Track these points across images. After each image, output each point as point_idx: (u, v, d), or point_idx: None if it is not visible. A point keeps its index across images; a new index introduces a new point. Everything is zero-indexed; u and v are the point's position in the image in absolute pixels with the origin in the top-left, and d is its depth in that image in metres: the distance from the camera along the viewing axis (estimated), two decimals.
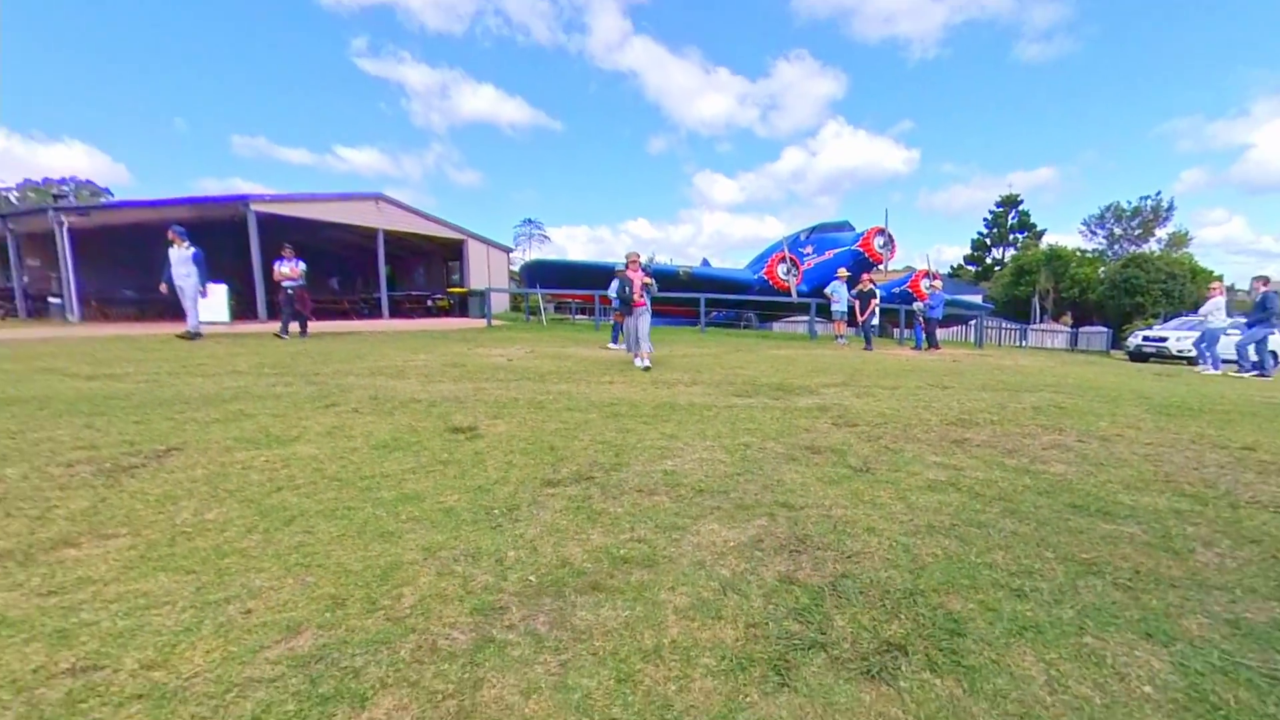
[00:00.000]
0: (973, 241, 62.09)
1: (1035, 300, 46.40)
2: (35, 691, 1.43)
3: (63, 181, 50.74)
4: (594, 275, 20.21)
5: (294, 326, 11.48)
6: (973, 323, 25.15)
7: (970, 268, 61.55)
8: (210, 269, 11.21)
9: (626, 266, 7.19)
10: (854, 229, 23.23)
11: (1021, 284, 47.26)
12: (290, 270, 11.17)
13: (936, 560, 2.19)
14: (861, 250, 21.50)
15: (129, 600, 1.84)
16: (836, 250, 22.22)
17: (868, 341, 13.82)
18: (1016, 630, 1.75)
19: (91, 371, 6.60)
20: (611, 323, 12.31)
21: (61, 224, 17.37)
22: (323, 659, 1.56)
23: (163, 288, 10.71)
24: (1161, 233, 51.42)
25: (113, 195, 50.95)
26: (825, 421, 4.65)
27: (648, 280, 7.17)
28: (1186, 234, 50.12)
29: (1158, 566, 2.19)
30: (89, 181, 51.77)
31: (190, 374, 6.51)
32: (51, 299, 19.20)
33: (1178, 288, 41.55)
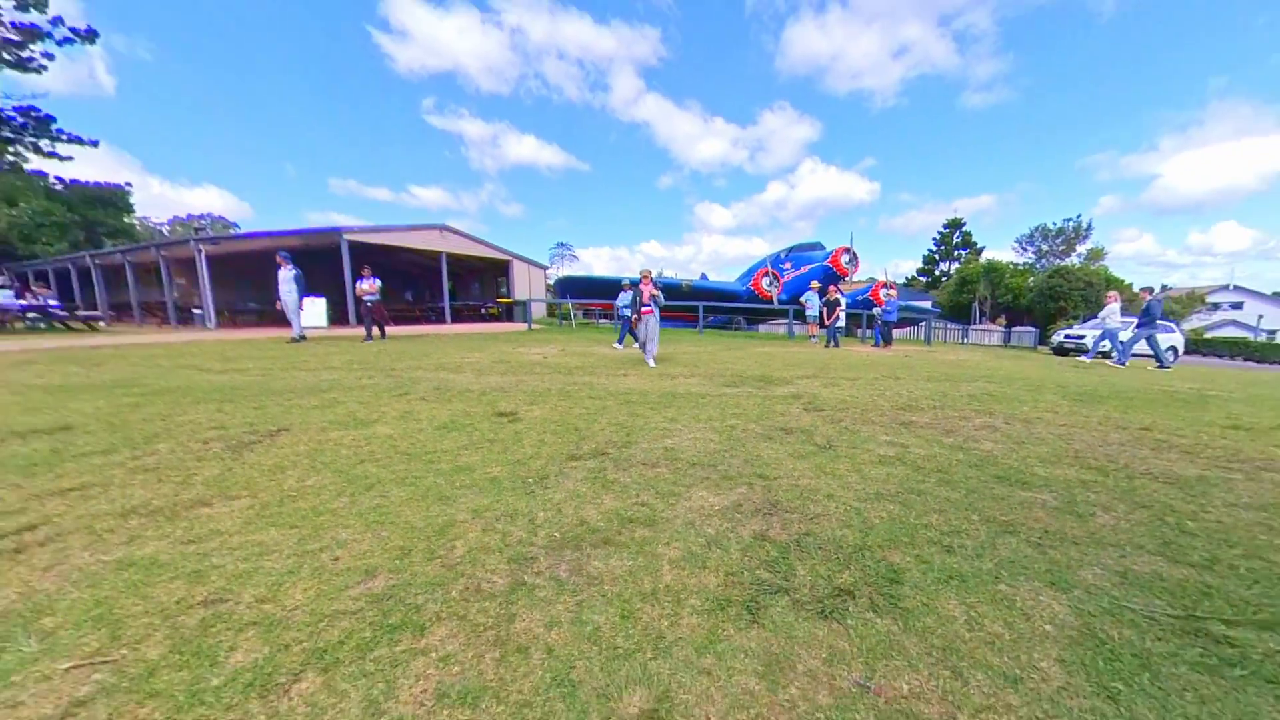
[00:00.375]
0: (924, 257, 61.12)
1: (975, 305, 45.43)
2: (177, 618, 1.49)
3: (202, 217, 51.62)
4: (612, 287, 20.31)
5: (375, 331, 11.63)
6: (923, 324, 24.69)
7: (922, 279, 60.56)
8: (309, 285, 11.39)
9: (641, 281, 7.05)
10: (825, 248, 22.87)
11: (964, 292, 46.34)
12: (369, 287, 11.32)
13: (882, 522, 2.17)
14: (831, 266, 21.14)
15: (247, 548, 1.90)
16: (810, 266, 21.89)
17: (833, 340, 13.65)
18: (944, 579, 1.74)
19: (222, 367, 6.75)
20: (618, 325, 12.05)
21: (200, 251, 17.73)
22: (392, 597, 1.60)
23: (278, 304, 10.94)
24: (1081, 249, 50.17)
25: (239, 227, 51.73)
26: (797, 407, 4.61)
27: (655, 292, 7.08)
28: (1102, 249, 48.84)
29: (1063, 527, 2.15)
30: (221, 217, 52.73)
31: (296, 369, 6.63)
32: (194, 310, 19.65)
33: (1095, 294, 40.40)
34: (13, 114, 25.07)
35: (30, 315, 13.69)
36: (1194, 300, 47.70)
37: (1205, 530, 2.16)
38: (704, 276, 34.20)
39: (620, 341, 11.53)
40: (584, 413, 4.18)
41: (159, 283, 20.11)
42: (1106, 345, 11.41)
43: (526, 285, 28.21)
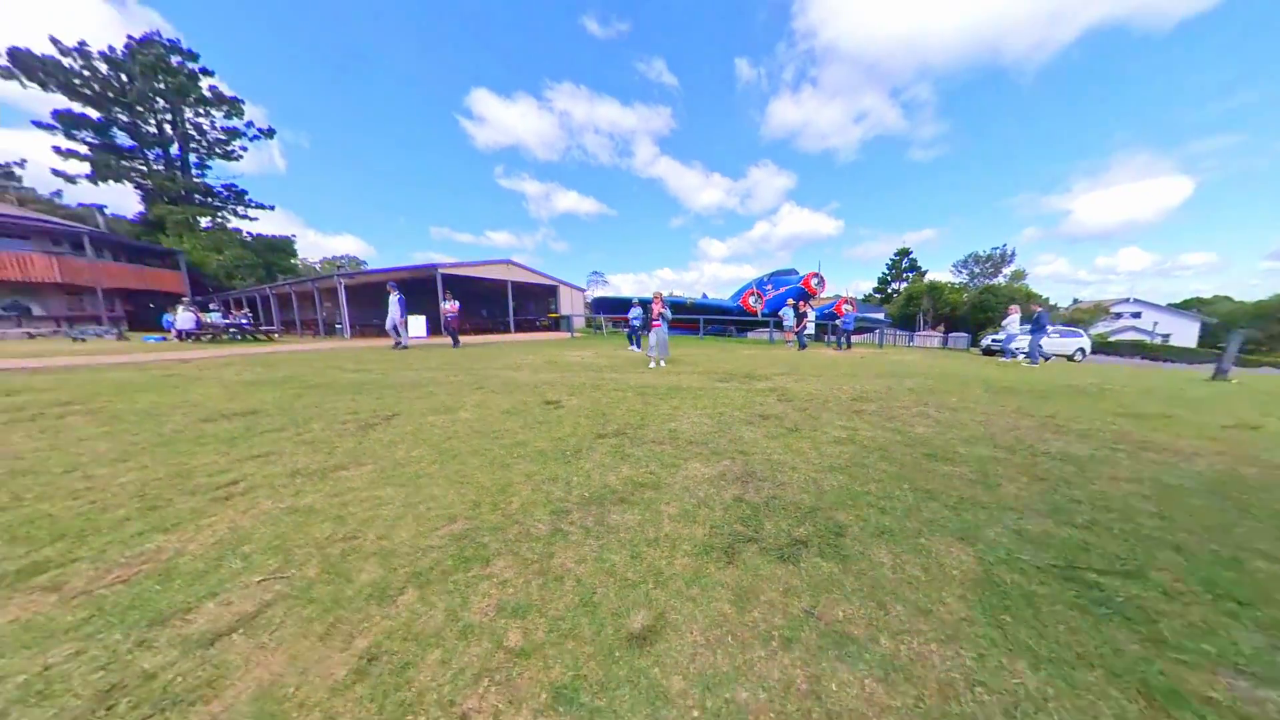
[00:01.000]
0: (879, 278, 59.41)
1: (920, 316, 43.83)
2: (326, 549, 1.59)
3: (341, 258, 53.74)
4: (631, 305, 20.56)
5: (451, 340, 11.94)
6: (877, 331, 23.99)
7: (876, 295, 58.74)
8: (410, 307, 11.77)
9: (653, 300, 7.03)
10: (799, 273, 22.37)
11: (910, 306, 44.76)
12: (449, 307, 11.64)
13: (833, 489, 2.16)
14: (804, 287, 20.71)
15: (371, 501, 2.01)
16: (787, 286, 21.48)
17: (801, 344, 13.36)
18: (877, 534, 1.73)
19: (355, 368, 7.05)
20: (626, 332, 12.04)
21: (340, 283, 18.48)
22: (466, 537, 1.68)
23: (389, 321, 11.28)
24: (1007, 270, 48.06)
25: (366, 264, 53.80)
26: (773, 398, 4.57)
27: (663, 310, 7.04)
28: (1023, 271, 46.83)
29: (975, 495, 2.11)
30: (354, 256, 54.94)
31: (405, 369, 6.87)
32: (336, 325, 20.43)
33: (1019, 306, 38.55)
34: (221, 190, 28.96)
35: (231, 329, 14.54)
36: (1100, 310, 45.19)
37: (1089, 498, 2.09)
38: (704, 296, 33.96)
39: (635, 345, 11.61)
40: (609, 401, 4.23)
41: (313, 306, 21.00)
42: (1019, 345, 11.05)
43: (570, 303, 28.58)
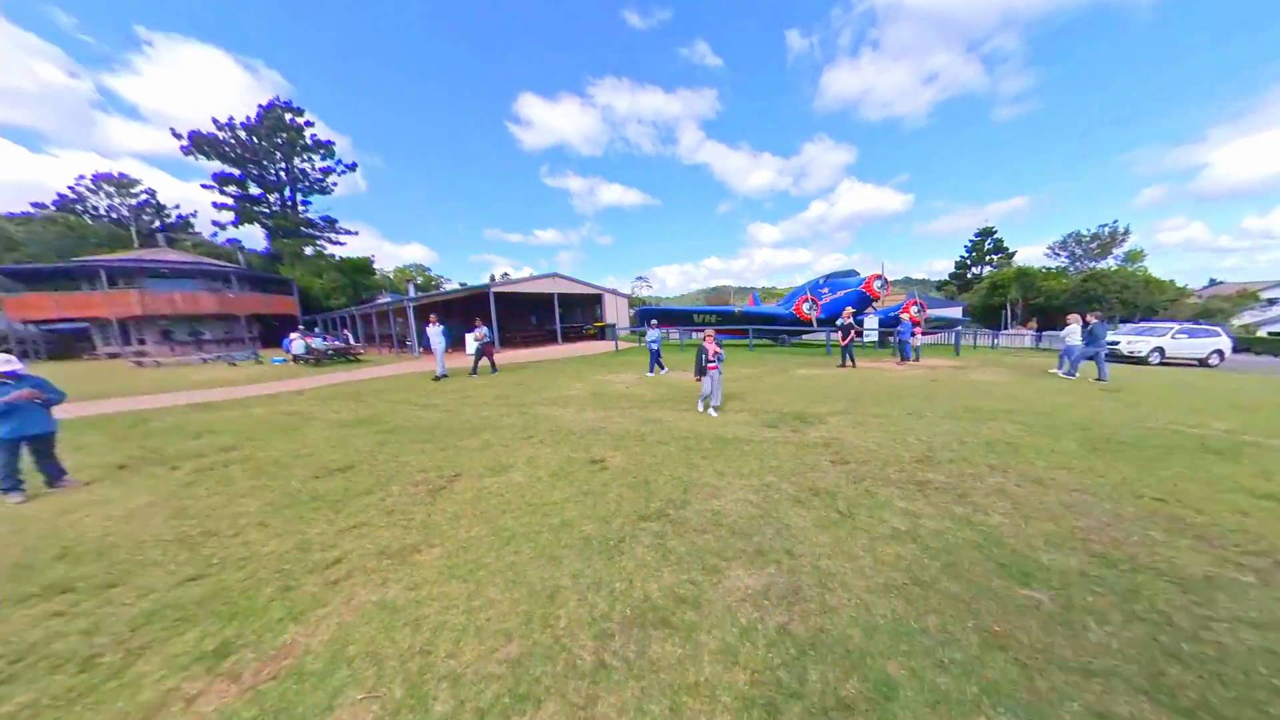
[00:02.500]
0: (956, 262, 53.76)
1: (1006, 308, 39.27)
2: (407, 665, 1.79)
3: (410, 266, 58.61)
4: (675, 315, 20.56)
5: (485, 363, 12.20)
6: (953, 330, 21.90)
7: (954, 284, 53.29)
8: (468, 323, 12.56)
9: (704, 339, 6.26)
10: (859, 274, 20.98)
11: (995, 296, 40.28)
12: (478, 335, 11.88)
13: (886, 623, 2.07)
14: (864, 290, 19.38)
15: (441, 600, 2.25)
16: (846, 290, 20.22)
17: (846, 359, 12.31)
18: (932, 702, 1.66)
19: (422, 403, 7.79)
20: (651, 349, 11.30)
21: (409, 305, 20.33)
22: (521, 666, 1.84)
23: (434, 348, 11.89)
24: (1119, 251, 41.38)
25: (431, 271, 58.35)
26: (826, 458, 4.40)
27: (719, 350, 6.30)
28: (1141, 251, 39.86)
29: (1053, 644, 1.92)
30: (420, 264, 60.03)
31: (463, 406, 7.45)
32: (406, 341, 22.49)
33: (1132, 295, 33.26)
34: (320, 220, 35.33)
35: (330, 352, 17.05)
36: (1247, 297, 37.33)
37: (1200, 658, 1.83)
38: (755, 299, 32.93)
39: (661, 367, 11.15)
40: (653, 462, 4.29)
41: (389, 323, 23.25)
42: (1091, 352, 9.88)
43: (614, 311, 29.08)
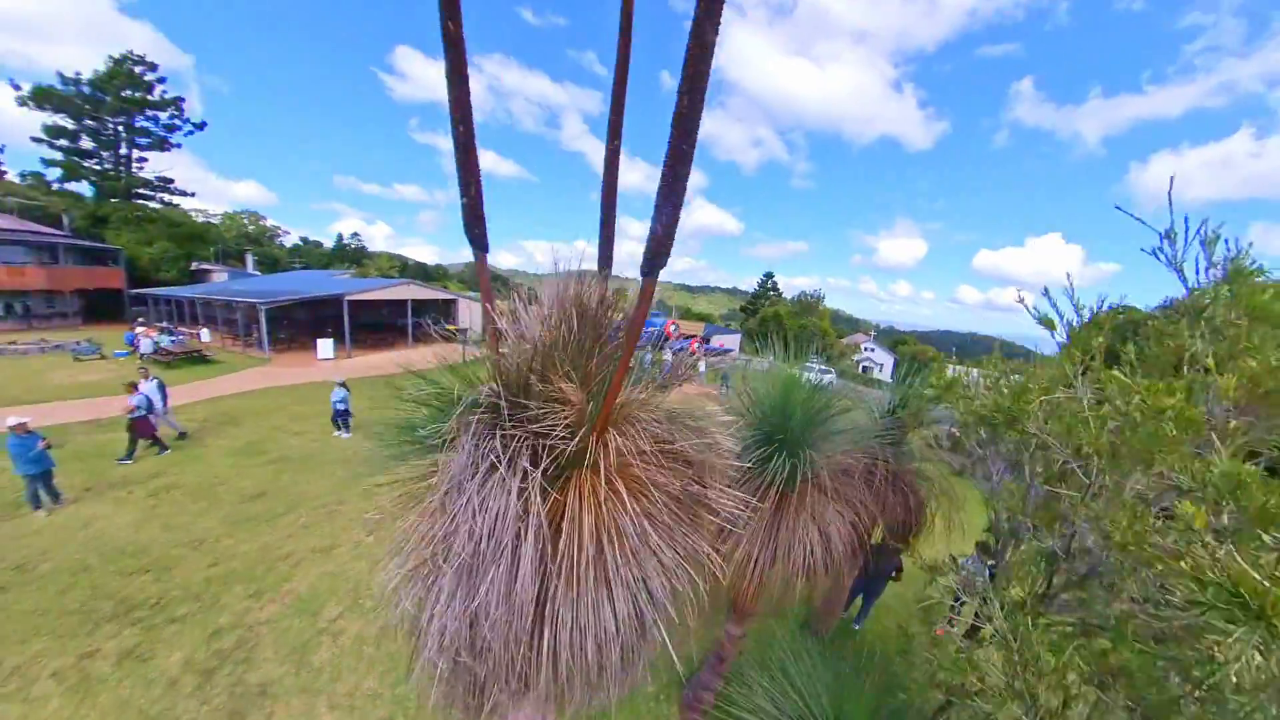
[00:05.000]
0: (751, 296, 58.57)
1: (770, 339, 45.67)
2: (354, 595, 5.55)
3: (242, 211, 45.30)
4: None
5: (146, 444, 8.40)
6: (720, 358, 26.56)
7: (744, 314, 56.68)
8: (316, 326, 14.80)
9: None
10: (663, 317, 24.78)
11: (762, 328, 42.32)
12: (133, 404, 7.78)
13: None
14: (664, 331, 23.43)
15: (354, 570, 5.96)
16: (652, 329, 23.61)
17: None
18: None
19: (295, 429, 10.08)
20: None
21: (261, 309, 17.33)
22: (408, 578, 4.60)
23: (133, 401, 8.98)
24: (820, 308, 60.39)
25: (266, 219, 46.60)
26: None
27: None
28: (825, 310, 49.34)
29: None
30: (255, 210, 46.31)
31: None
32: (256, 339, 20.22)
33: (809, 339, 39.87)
34: (154, 179, 31.00)
35: (178, 354, 15.73)
36: (853, 349, 47.36)
37: None
38: None
39: (344, 429, 9.89)
40: None
41: (232, 310, 20.60)
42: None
43: (468, 314, 27.20)
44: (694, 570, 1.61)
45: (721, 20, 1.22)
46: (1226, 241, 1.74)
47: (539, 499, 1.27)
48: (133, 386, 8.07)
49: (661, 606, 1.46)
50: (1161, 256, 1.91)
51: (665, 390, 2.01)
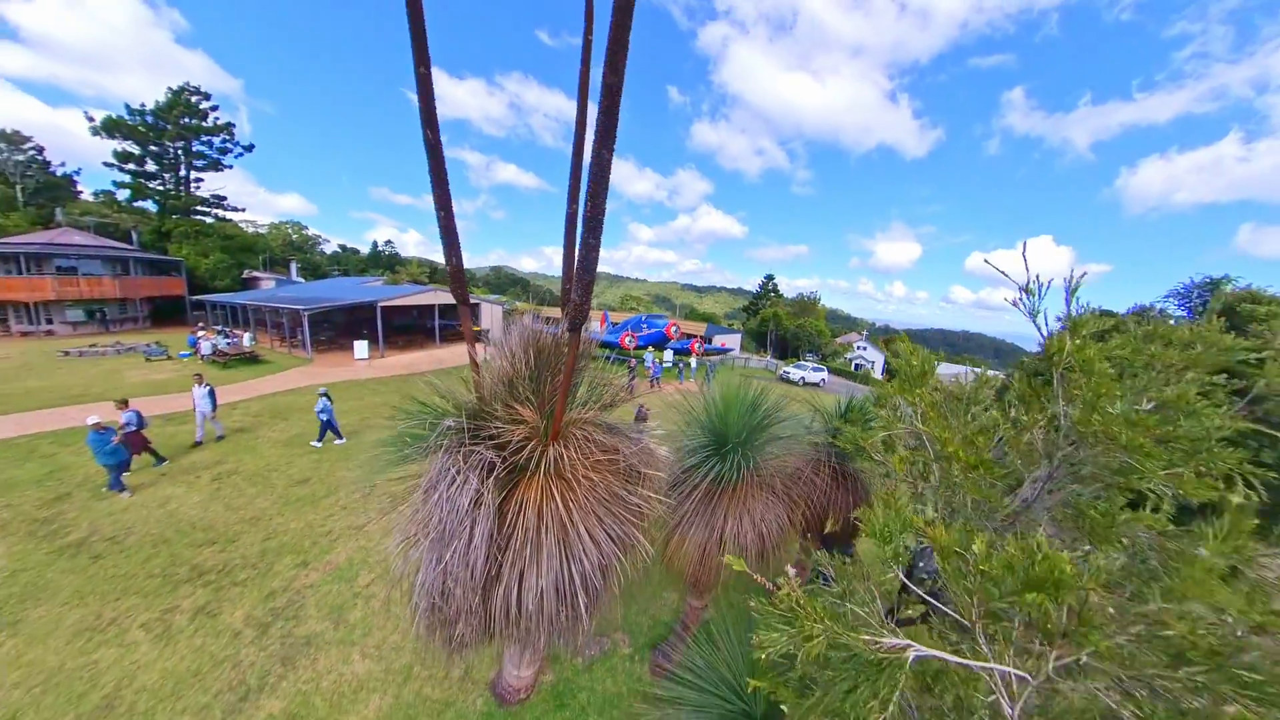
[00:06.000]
0: (753, 297, 57.68)
1: (768, 338, 43.19)
2: (384, 564, 6.29)
3: (287, 220, 49.40)
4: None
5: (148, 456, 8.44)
6: (711, 363, 23.67)
7: (745, 314, 56.74)
8: (351, 330, 15.59)
9: None
10: (666, 319, 25.12)
11: (762, 328, 44.40)
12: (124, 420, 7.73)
13: None
14: (665, 332, 21.94)
15: (383, 546, 6.70)
16: (654, 330, 22.74)
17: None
18: None
19: (301, 477, 11.04)
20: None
21: (304, 313, 18.69)
22: (428, 547, 6.43)
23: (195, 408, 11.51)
24: (816, 309, 48.82)
25: (307, 228, 50.80)
26: None
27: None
28: (823, 309, 49.32)
29: None
30: (297, 220, 50.41)
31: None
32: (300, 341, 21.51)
33: (810, 338, 40.52)
34: (210, 198, 33.67)
35: (233, 356, 16.95)
36: (846, 348, 47.56)
37: None
38: (606, 316, 32.18)
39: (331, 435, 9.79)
40: None
41: (280, 314, 22.14)
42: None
43: (489, 317, 27.90)
44: (621, 550, 2.08)
45: (616, 142, 1.67)
46: (1068, 297, 2.00)
47: (489, 496, 1.76)
48: (124, 403, 7.79)
49: (590, 576, 1.93)
50: (1021, 306, 2.23)
51: (610, 409, 2.48)
